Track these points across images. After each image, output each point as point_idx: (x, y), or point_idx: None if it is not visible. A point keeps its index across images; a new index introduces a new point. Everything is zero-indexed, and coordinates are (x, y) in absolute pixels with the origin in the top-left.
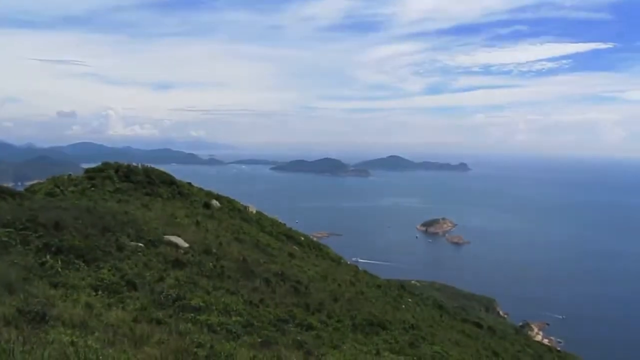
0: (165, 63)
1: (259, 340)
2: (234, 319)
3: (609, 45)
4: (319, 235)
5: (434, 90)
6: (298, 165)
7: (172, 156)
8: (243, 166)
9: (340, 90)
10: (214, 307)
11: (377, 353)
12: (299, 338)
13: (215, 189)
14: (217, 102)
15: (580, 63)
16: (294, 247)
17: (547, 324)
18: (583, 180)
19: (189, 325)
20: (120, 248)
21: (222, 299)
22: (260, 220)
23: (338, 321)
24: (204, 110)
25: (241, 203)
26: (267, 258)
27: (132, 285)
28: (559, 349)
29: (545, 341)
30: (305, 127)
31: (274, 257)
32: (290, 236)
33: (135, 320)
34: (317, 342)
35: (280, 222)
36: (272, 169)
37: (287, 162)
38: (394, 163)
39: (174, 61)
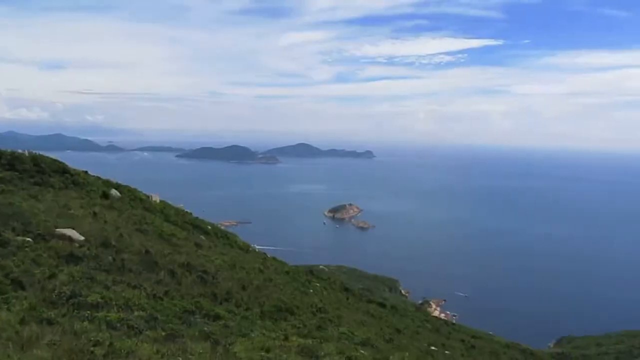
0: (57, 40)
1: (163, 334)
2: (136, 313)
3: (499, 42)
4: (227, 223)
5: (341, 79)
6: (205, 153)
7: (66, 142)
8: (146, 153)
9: (250, 76)
10: (114, 303)
11: (286, 338)
12: (205, 329)
13: (115, 178)
14: (117, 84)
15: (474, 58)
16: (201, 236)
17: (444, 300)
18: (476, 166)
19: (85, 323)
20: (3, 244)
21: (123, 294)
22: (164, 210)
23: (246, 309)
24: (101, 93)
25: (144, 192)
26: (172, 249)
27: (18, 284)
28: (454, 322)
29: (442, 316)
30: (213, 114)
31: (179, 247)
32: (196, 225)
33: (22, 321)
34: (225, 332)
35: (186, 211)
36: (177, 156)
37: (193, 150)
38: (303, 150)
39: (67, 39)
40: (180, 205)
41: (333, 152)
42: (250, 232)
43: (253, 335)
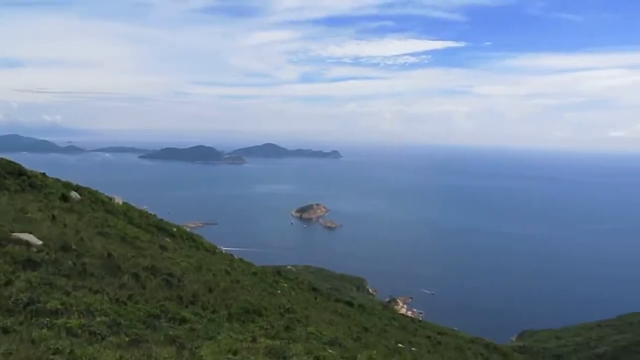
0: (10, 37)
1: (127, 339)
2: (98, 319)
3: (462, 43)
4: (193, 225)
5: (308, 79)
6: (170, 154)
7: (22, 143)
8: (107, 154)
9: (215, 75)
10: (74, 309)
11: (253, 340)
12: (171, 333)
13: (75, 180)
14: (76, 83)
15: (437, 59)
16: (166, 238)
17: (411, 298)
18: (440, 166)
19: (44, 331)
20: None
21: (84, 299)
22: (127, 212)
23: (213, 312)
24: (60, 92)
25: (106, 194)
26: (135, 252)
27: None
28: (420, 319)
29: (409, 313)
30: (178, 114)
31: (143, 250)
32: (161, 228)
33: None
34: (191, 335)
35: (150, 213)
36: (141, 157)
37: (157, 150)
38: (269, 151)
39: (22, 36)
40: (144, 207)
41: (300, 152)
42: (216, 233)
43: (220, 337)
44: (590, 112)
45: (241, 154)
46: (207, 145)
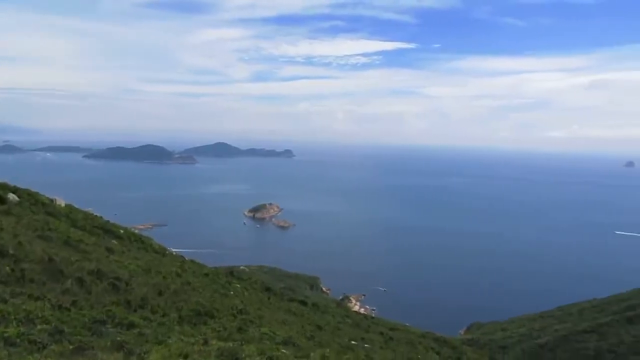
0: None
1: (71, 347)
2: (39, 327)
3: (412, 45)
4: (142, 227)
5: (260, 77)
6: (117, 153)
7: None
8: (49, 154)
9: (164, 73)
10: (13, 317)
11: (205, 342)
12: (118, 339)
13: (12, 181)
14: (13, 79)
15: (388, 60)
16: (113, 241)
17: (364, 295)
18: (392, 165)
19: None
20: None
21: (23, 307)
22: (70, 214)
23: (163, 315)
24: None
25: (47, 196)
26: (79, 255)
27: None
28: (373, 316)
29: (362, 310)
30: (126, 112)
31: (88, 254)
32: (107, 230)
33: None
34: (140, 340)
35: (95, 215)
36: (85, 156)
37: (104, 150)
38: (221, 150)
39: None
40: (89, 209)
41: (253, 152)
42: (167, 234)
43: (170, 341)
44: (532, 113)
45: (192, 154)
46: (156, 144)
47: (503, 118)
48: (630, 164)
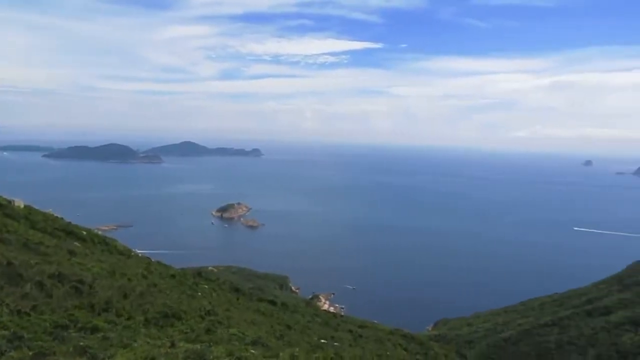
0: None
1: (31, 353)
2: None
3: (379, 45)
4: (106, 228)
5: (227, 75)
6: (79, 152)
7: None
8: (5, 153)
9: (129, 70)
10: None
11: (172, 345)
12: (81, 343)
13: None
14: None
15: (356, 59)
16: (75, 243)
17: (333, 294)
18: (360, 164)
19: None
20: None
21: None
22: (29, 216)
23: (128, 318)
24: None
25: (4, 197)
26: (40, 258)
27: None
28: (342, 314)
29: (331, 309)
30: (87, 110)
31: (48, 256)
32: (69, 232)
33: None
34: (104, 344)
35: (56, 217)
36: (45, 156)
37: (65, 149)
38: (188, 149)
39: None
40: (49, 210)
41: (220, 151)
42: (132, 236)
43: (136, 345)
44: (496, 114)
45: (158, 153)
46: (120, 143)
47: (468, 118)
48: (588, 162)
